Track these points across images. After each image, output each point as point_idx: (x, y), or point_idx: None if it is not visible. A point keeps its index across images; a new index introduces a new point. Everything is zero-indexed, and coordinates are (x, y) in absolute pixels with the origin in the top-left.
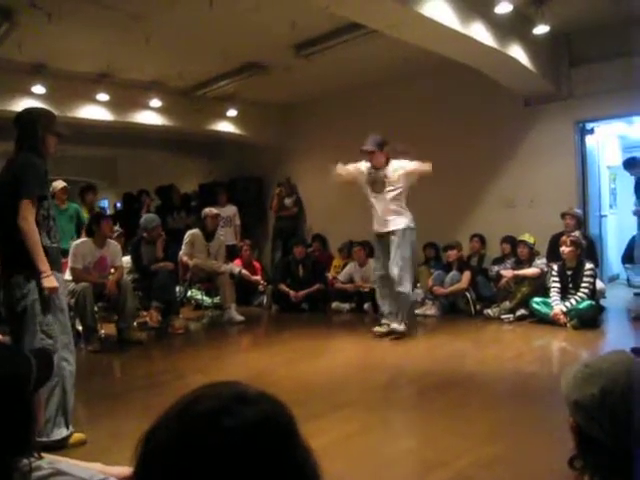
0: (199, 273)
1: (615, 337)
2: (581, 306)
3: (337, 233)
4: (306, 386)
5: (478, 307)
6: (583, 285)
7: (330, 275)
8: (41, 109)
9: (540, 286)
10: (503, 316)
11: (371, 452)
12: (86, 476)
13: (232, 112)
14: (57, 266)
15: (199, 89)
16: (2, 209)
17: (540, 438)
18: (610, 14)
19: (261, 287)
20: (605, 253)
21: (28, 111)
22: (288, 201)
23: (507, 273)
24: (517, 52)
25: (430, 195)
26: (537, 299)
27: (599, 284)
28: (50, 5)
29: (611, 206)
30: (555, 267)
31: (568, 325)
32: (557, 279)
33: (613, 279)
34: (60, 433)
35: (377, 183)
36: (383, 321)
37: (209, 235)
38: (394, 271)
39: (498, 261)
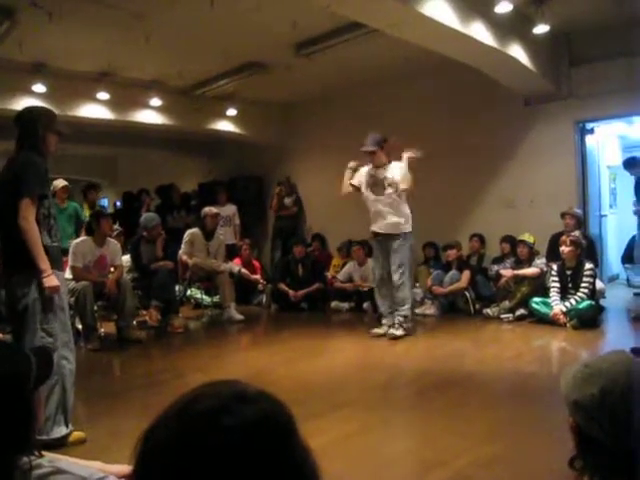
0: (199, 272)
1: (615, 337)
2: (581, 306)
3: (336, 232)
4: (305, 385)
5: (477, 307)
6: (583, 285)
7: (329, 274)
8: (42, 108)
9: (540, 286)
10: (502, 316)
11: (370, 452)
12: (86, 474)
13: (232, 111)
14: (58, 265)
15: (199, 88)
16: (3, 208)
17: (539, 438)
18: (611, 14)
19: (260, 286)
20: (605, 253)
21: (29, 110)
22: (288, 200)
23: (507, 273)
24: (517, 52)
25: (430, 194)
26: (537, 299)
27: (599, 284)
28: (51, 4)
29: (611, 206)
30: (555, 267)
31: (568, 325)
32: (557, 279)
33: (613, 279)
34: (60, 431)
35: (377, 185)
36: (383, 322)
37: (209, 234)
38: (395, 277)
39: (498, 261)
